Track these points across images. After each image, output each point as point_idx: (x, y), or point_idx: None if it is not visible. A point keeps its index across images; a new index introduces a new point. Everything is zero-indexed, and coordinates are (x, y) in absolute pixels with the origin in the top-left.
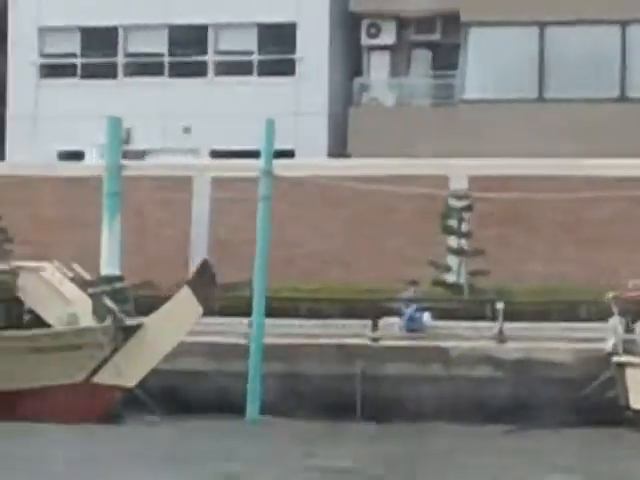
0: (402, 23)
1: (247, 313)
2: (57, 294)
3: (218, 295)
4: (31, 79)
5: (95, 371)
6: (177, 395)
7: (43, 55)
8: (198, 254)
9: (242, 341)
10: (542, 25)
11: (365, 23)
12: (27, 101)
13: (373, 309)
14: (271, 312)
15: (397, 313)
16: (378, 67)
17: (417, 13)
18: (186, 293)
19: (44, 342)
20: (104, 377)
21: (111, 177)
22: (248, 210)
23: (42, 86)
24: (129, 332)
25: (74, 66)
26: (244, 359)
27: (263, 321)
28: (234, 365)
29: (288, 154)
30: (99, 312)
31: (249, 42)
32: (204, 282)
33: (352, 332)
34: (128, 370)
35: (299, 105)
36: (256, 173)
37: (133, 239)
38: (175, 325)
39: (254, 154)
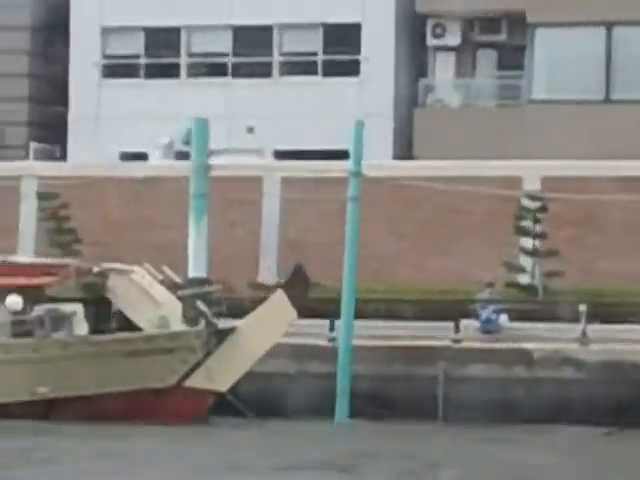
0: (467, 23)
1: (322, 314)
2: (147, 297)
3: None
4: (93, 80)
5: (187, 375)
6: (261, 398)
7: (106, 56)
8: (268, 255)
9: (324, 343)
10: (609, 25)
11: (430, 23)
12: (89, 102)
13: (453, 310)
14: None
15: (473, 315)
16: (443, 68)
17: (482, 13)
18: (280, 297)
19: (136, 345)
20: (196, 381)
21: (198, 178)
22: (318, 211)
23: (104, 87)
24: (222, 336)
25: (137, 66)
26: (326, 361)
27: (352, 322)
28: (317, 367)
29: None
30: (189, 315)
31: (314, 43)
32: (298, 286)
33: (429, 334)
34: (220, 374)
35: (363, 106)
36: (324, 174)
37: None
38: (269, 329)
39: (318, 154)
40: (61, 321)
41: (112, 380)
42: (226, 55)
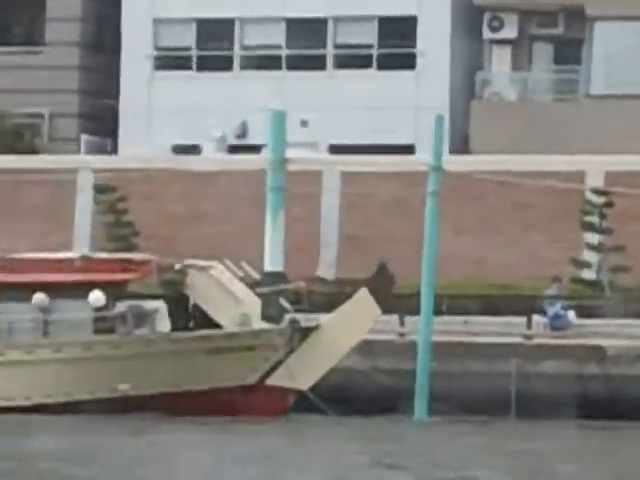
0: (524, 16)
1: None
2: (228, 294)
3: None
4: (145, 72)
5: (268, 373)
6: (338, 394)
7: (157, 48)
8: (328, 249)
9: (396, 338)
10: None
11: (487, 16)
12: (141, 94)
13: (517, 306)
14: (413, 308)
15: (540, 311)
16: (499, 61)
17: (540, 7)
18: (364, 294)
19: (218, 343)
20: (277, 379)
21: (275, 172)
22: (377, 206)
23: (156, 79)
24: (305, 334)
25: (189, 59)
26: (399, 357)
27: (432, 318)
28: (389, 363)
29: (408, 149)
30: (269, 312)
31: (369, 35)
32: (382, 283)
33: (496, 330)
34: (302, 373)
35: (419, 99)
36: (385, 169)
37: None
38: (352, 327)
39: (373, 148)
40: (143, 318)
41: (193, 378)
42: (280, 47)
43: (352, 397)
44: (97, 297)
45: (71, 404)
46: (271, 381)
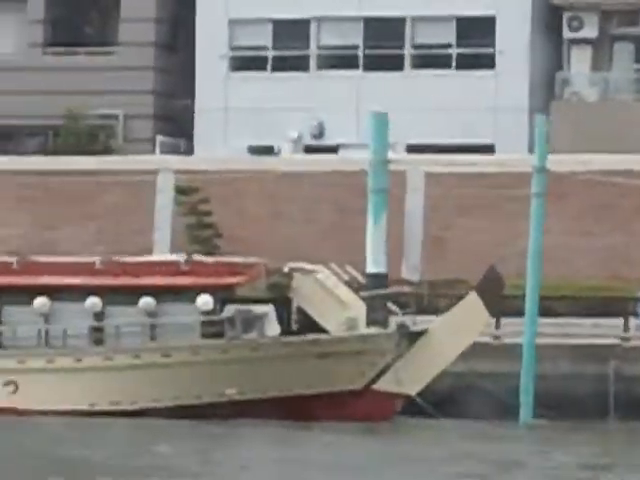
0: (604, 16)
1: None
2: (334, 298)
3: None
4: (220, 72)
5: (376, 378)
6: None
7: (233, 48)
8: (412, 251)
9: (491, 341)
10: None
11: (567, 16)
12: (216, 95)
13: (608, 307)
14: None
15: (632, 312)
16: (579, 61)
17: (620, 6)
18: (473, 299)
19: (326, 347)
20: (385, 384)
21: (377, 173)
22: (462, 206)
23: (231, 79)
24: (413, 338)
25: (265, 59)
26: (495, 359)
27: (536, 320)
28: (486, 366)
29: (487, 149)
30: (374, 316)
31: (447, 35)
32: (492, 288)
33: (590, 332)
34: (410, 378)
35: (498, 99)
36: (470, 169)
37: None
38: (461, 332)
39: (452, 148)
40: (252, 322)
41: (301, 382)
42: (357, 47)
43: (452, 400)
44: (205, 301)
45: (177, 409)
46: (378, 386)
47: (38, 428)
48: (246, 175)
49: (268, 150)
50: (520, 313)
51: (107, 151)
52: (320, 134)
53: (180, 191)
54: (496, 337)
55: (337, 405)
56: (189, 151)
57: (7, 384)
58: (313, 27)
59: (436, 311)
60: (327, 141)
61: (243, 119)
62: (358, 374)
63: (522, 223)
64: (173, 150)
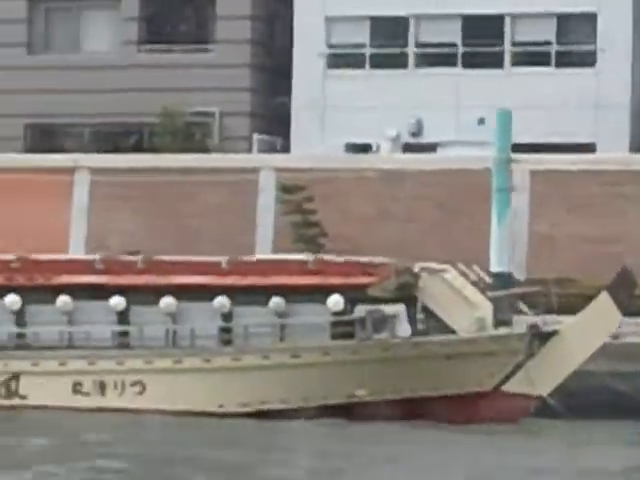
0: None
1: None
2: (462, 298)
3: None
4: (318, 70)
5: (506, 379)
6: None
7: (330, 46)
8: (518, 249)
9: (611, 341)
10: None
11: None
12: (314, 93)
13: None
14: None
15: None
16: None
17: None
18: (605, 299)
19: (457, 348)
20: (515, 385)
21: (500, 171)
22: (568, 204)
23: (329, 77)
24: (544, 339)
25: (363, 56)
26: (616, 359)
27: None
28: (608, 366)
29: (588, 147)
30: (502, 316)
31: (547, 32)
32: (624, 288)
33: None
34: (541, 378)
35: (600, 98)
36: (576, 167)
37: None
38: (593, 332)
39: (552, 147)
40: (382, 322)
41: (431, 383)
42: (455, 45)
43: (583, 400)
44: (336, 301)
45: (306, 410)
46: (508, 387)
47: (184, 430)
48: (349, 173)
49: (365, 148)
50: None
51: (203, 149)
52: (419, 132)
53: (285, 189)
54: (614, 337)
55: (466, 407)
56: (285, 149)
57: (134, 385)
58: (411, 24)
59: (559, 311)
60: (426, 139)
61: (340, 117)
62: (487, 375)
63: (630, 220)
64: (270, 148)
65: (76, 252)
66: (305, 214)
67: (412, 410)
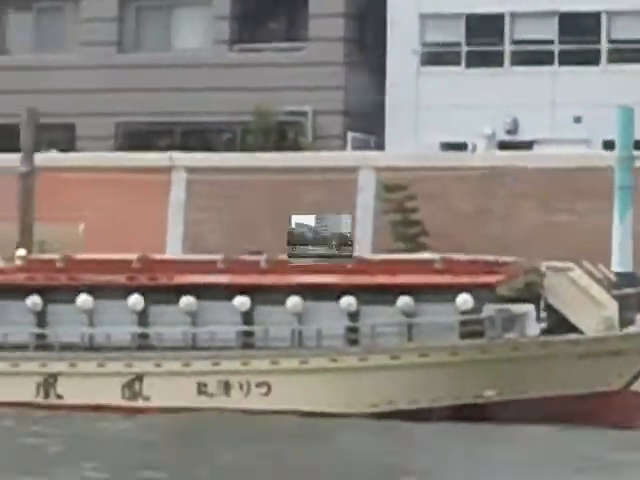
0: None
1: None
2: (588, 296)
3: None
4: (412, 68)
5: (634, 379)
6: None
7: (424, 43)
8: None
9: None
10: None
11: None
12: (408, 91)
13: None
14: None
15: None
16: None
17: None
18: None
19: (587, 347)
20: None
21: (623, 169)
22: None
23: (423, 75)
24: None
25: (458, 54)
26: None
27: None
28: None
29: None
30: (627, 315)
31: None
32: None
33: None
34: None
35: None
36: None
37: None
38: None
39: None
40: (512, 321)
41: (560, 383)
42: (552, 43)
43: None
44: (465, 300)
45: (434, 410)
46: (638, 387)
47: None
48: (450, 172)
49: (461, 147)
50: None
51: (296, 148)
52: (514, 130)
53: (387, 188)
54: None
55: (594, 407)
56: (379, 147)
57: (259, 385)
58: (507, 22)
59: None
60: (521, 137)
61: (435, 115)
62: (617, 375)
63: None
64: (364, 146)
65: (173, 250)
66: (406, 213)
67: (540, 411)
